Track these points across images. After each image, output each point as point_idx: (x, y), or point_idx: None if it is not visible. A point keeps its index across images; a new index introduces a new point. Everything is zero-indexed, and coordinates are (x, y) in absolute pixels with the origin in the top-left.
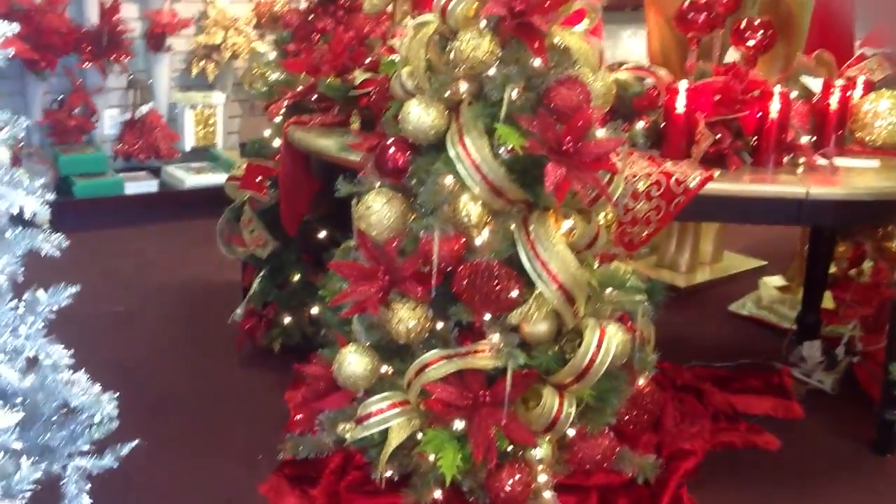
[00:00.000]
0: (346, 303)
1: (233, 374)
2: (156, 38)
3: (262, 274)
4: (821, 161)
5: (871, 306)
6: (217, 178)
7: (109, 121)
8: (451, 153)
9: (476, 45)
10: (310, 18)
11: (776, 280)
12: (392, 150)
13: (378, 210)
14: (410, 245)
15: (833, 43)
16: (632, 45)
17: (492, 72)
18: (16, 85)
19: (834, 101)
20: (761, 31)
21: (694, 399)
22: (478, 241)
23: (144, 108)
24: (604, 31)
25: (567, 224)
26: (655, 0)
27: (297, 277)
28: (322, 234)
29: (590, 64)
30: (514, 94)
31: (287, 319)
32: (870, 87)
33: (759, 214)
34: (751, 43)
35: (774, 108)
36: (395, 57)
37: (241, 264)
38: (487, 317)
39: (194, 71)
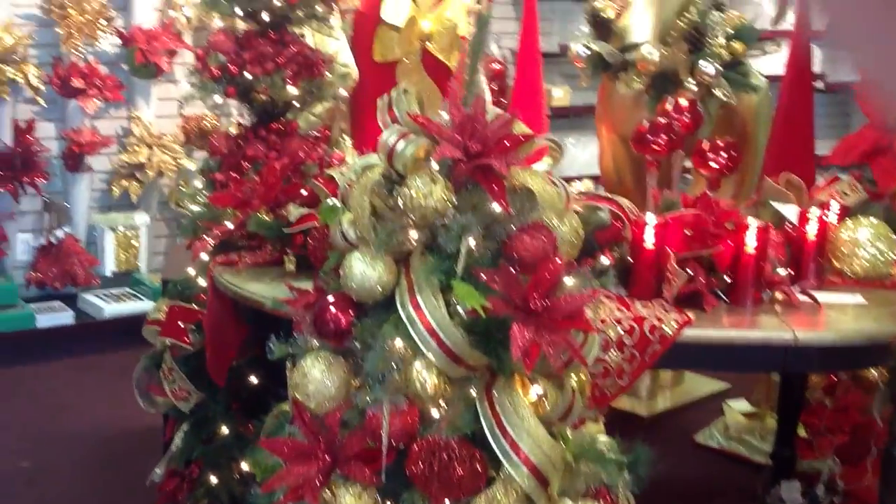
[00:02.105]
0: (280, 488)
1: None
2: (74, 158)
3: (184, 429)
4: (801, 297)
5: (845, 433)
6: (140, 305)
7: (22, 246)
8: (402, 314)
9: (427, 191)
10: (239, 144)
11: (742, 405)
12: (333, 309)
13: (317, 378)
14: (356, 418)
15: (793, 160)
16: (576, 154)
17: (446, 220)
18: None
19: (811, 231)
20: (724, 153)
21: None
22: (434, 414)
23: (60, 233)
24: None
25: (536, 391)
26: (607, 115)
27: (225, 430)
28: (253, 379)
29: (555, 207)
30: (473, 245)
31: (214, 479)
32: (845, 212)
33: (741, 363)
34: (714, 165)
35: (751, 242)
36: (333, 201)
37: (162, 415)
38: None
39: (116, 191)
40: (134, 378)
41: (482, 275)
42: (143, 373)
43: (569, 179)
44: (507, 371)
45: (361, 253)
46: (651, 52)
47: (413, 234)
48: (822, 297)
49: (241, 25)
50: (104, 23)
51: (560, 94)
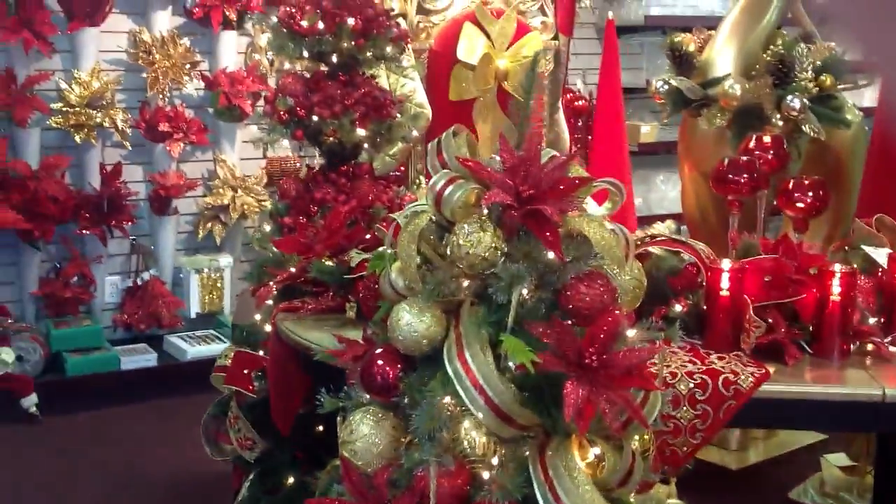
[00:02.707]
0: None
1: None
2: (161, 201)
3: (250, 478)
4: (894, 349)
5: None
6: (223, 348)
7: (110, 288)
8: (449, 370)
9: (476, 239)
10: (309, 187)
11: (840, 458)
12: (380, 362)
13: (365, 435)
14: (404, 478)
15: (889, 199)
16: (666, 190)
17: (497, 269)
18: (9, 255)
19: None
20: (811, 192)
21: None
22: (485, 476)
23: (146, 275)
24: (634, 176)
25: (594, 452)
26: (689, 153)
27: (290, 480)
28: (320, 428)
29: (613, 255)
30: (526, 294)
31: None
32: None
33: (827, 421)
34: (800, 205)
35: (836, 288)
36: (385, 249)
37: (231, 463)
38: None
39: (201, 233)
40: (202, 425)
41: (534, 329)
42: (211, 420)
43: (654, 218)
44: (561, 432)
45: (409, 303)
46: (733, 87)
47: (464, 284)
48: None
49: (311, 67)
50: (189, 67)
51: (647, 130)
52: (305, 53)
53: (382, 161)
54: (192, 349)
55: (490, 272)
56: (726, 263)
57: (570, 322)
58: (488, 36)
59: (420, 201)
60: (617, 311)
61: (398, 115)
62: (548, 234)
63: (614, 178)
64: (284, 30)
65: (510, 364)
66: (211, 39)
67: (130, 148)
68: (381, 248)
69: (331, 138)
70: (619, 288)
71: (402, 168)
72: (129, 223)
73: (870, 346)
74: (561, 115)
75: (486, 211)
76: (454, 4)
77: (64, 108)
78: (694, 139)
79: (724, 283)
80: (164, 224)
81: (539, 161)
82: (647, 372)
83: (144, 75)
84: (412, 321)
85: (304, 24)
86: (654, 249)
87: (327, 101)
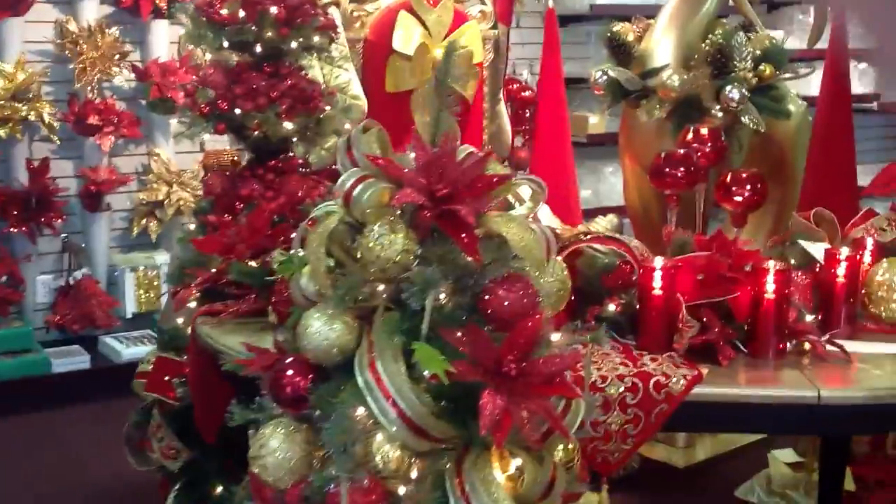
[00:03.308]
0: None
1: None
2: (92, 197)
3: (176, 488)
4: (831, 347)
5: None
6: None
7: (42, 288)
8: (360, 381)
9: (387, 242)
10: (236, 183)
11: (788, 454)
12: (290, 372)
13: (275, 450)
14: (316, 495)
15: (831, 191)
16: (615, 182)
17: (411, 273)
18: None
19: (841, 272)
20: (749, 185)
21: None
22: (401, 491)
23: (78, 274)
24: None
25: (515, 464)
26: (630, 145)
27: (219, 490)
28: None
29: (533, 256)
30: (442, 299)
31: None
32: (880, 250)
33: (761, 424)
34: (738, 199)
35: (770, 286)
36: (294, 253)
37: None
38: None
39: (135, 230)
40: (124, 434)
41: (450, 336)
42: (134, 428)
43: (603, 210)
44: (478, 444)
45: (319, 310)
46: (671, 78)
47: (379, 289)
48: (855, 346)
49: (236, 58)
50: (119, 58)
51: (595, 121)
52: (226, 43)
53: (318, 155)
54: (128, 350)
55: (404, 276)
56: (658, 261)
57: (489, 328)
58: (425, 25)
59: (332, 200)
60: (538, 316)
61: (328, 108)
62: (463, 235)
63: (558, 170)
64: (203, 18)
65: (426, 373)
66: (142, 29)
67: (59, 142)
68: (290, 251)
69: (256, 132)
70: (541, 291)
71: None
72: (60, 220)
73: (806, 345)
74: (503, 107)
75: (398, 212)
76: None
77: None
78: (634, 131)
79: (657, 281)
80: (96, 221)
81: (455, 158)
82: (571, 379)
83: (72, 66)
84: (321, 329)
85: (224, 12)
86: (589, 246)
87: (250, 93)
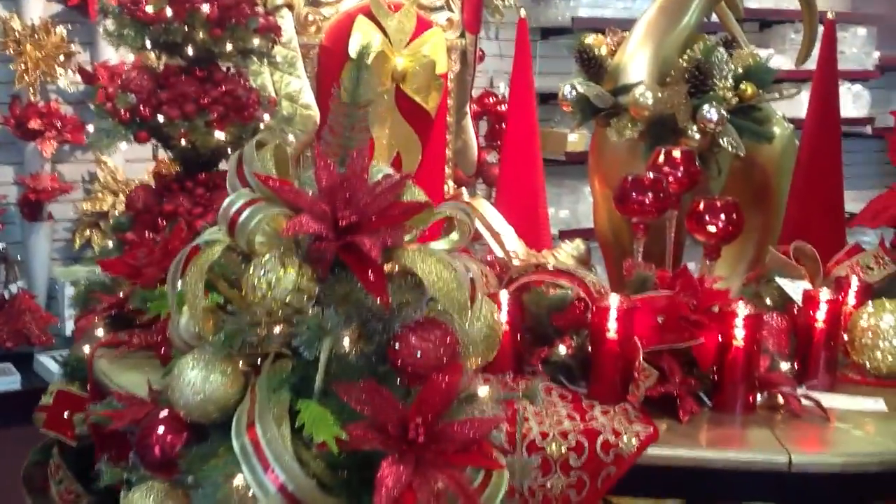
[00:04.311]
0: None
1: None
2: (32, 206)
3: None
4: (806, 402)
5: None
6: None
7: None
8: (235, 445)
9: (275, 278)
10: (162, 198)
11: None
12: (161, 429)
13: None
14: None
15: (816, 218)
16: None
17: (304, 317)
18: None
19: (821, 316)
20: (724, 215)
21: None
22: None
23: (14, 288)
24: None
25: None
26: (599, 166)
27: None
28: None
29: (452, 299)
30: (346, 346)
31: None
32: (866, 291)
33: (724, 491)
34: (712, 230)
35: (739, 331)
36: (168, 287)
37: None
38: None
39: (78, 242)
40: (22, 476)
41: (345, 393)
42: (34, 469)
43: (582, 233)
44: None
45: (195, 357)
46: (644, 95)
47: (275, 332)
48: (834, 400)
49: (164, 61)
50: (64, 59)
51: (575, 139)
52: (149, 44)
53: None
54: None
55: (298, 320)
56: (614, 300)
57: (402, 383)
58: (384, 31)
59: (216, 228)
60: (457, 368)
61: (267, 116)
62: (368, 272)
63: (526, 189)
64: (127, 16)
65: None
66: (90, 29)
67: None
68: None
69: (183, 142)
70: (464, 338)
71: None
72: None
73: (780, 399)
74: (469, 122)
75: (294, 243)
76: None
77: None
78: (604, 152)
79: (611, 323)
80: (35, 231)
81: (365, 181)
82: (497, 441)
83: (13, 67)
84: (195, 380)
85: (150, 9)
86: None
87: (177, 99)
